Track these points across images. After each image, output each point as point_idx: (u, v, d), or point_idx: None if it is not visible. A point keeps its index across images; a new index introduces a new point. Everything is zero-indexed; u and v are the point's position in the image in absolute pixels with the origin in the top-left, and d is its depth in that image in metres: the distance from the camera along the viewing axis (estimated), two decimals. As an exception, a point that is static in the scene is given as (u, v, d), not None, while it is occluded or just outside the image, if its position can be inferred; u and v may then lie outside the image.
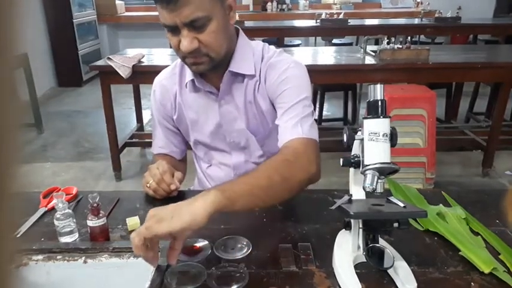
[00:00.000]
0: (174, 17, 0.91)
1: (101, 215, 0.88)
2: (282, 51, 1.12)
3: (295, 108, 1.02)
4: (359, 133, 0.82)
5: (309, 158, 0.94)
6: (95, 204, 0.87)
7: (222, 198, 0.75)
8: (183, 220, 0.70)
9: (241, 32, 1.10)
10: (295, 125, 0.99)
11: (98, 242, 0.89)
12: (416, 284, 0.74)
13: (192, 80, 1.09)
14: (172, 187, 1.04)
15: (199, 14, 0.91)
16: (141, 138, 3.28)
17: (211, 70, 1.02)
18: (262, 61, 1.09)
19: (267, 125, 1.13)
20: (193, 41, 0.94)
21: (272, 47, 1.13)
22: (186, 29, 0.93)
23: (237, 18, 1.05)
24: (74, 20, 4.95)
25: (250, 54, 1.08)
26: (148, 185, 1.05)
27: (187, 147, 1.26)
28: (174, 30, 0.94)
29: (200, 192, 0.77)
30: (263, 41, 1.16)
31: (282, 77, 1.05)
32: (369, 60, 2.67)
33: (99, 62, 2.72)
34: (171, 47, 1.01)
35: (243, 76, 1.08)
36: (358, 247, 0.82)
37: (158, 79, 1.18)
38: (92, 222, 0.88)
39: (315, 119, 1.05)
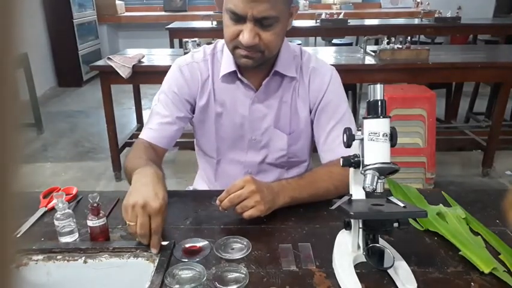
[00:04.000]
0: (248, 8, 0.91)
1: (101, 215, 0.88)
2: (314, 53, 1.16)
3: (343, 122, 1.09)
4: (359, 133, 0.82)
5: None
6: (95, 204, 0.87)
7: (289, 202, 0.97)
8: (265, 209, 0.91)
9: None
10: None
11: (98, 242, 0.89)
12: (416, 284, 0.74)
13: (233, 72, 1.07)
14: (154, 251, 0.84)
15: (272, 13, 0.93)
16: (141, 138, 3.28)
17: (256, 67, 1.02)
18: (301, 63, 1.12)
19: (297, 127, 1.13)
20: (255, 37, 0.94)
21: (304, 48, 1.16)
22: (253, 23, 0.93)
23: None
24: (74, 20, 4.94)
25: (291, 56, 1.11)
26: (128, 223, 0.83)
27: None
28: (239, 19, 0.94)
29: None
30: None
31: (330, 87, 1.11)
32: (369, 60, 2.67)
33: (99, 62, 2.72)
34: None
35: (283, 76, 1.10)
36: (358, 247, 0.82)
37: (188, 60, 1.13)
38: (92, 222, 0.88)
39: None
